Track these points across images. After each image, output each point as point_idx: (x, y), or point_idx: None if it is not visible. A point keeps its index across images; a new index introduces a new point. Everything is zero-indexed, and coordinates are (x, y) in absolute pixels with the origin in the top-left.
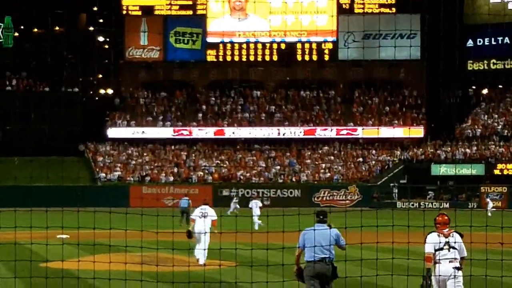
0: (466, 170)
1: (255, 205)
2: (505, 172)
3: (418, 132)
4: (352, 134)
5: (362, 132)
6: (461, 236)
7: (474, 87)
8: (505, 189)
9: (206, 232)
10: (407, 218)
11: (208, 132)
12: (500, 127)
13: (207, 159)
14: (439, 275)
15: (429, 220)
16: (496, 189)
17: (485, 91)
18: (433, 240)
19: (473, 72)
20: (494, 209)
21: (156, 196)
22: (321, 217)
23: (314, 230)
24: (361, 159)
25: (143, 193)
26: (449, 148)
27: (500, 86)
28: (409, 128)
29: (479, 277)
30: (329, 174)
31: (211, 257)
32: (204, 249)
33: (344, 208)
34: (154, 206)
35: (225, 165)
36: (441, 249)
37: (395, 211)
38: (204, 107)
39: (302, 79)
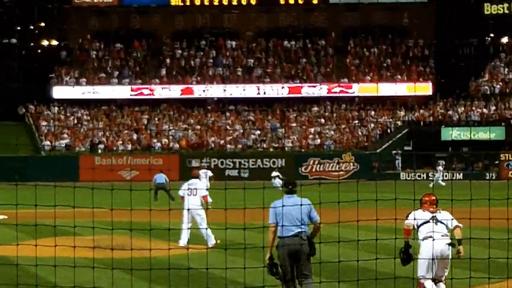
0: (483, 134)
1: (204, 176)
2: None
3: (425, 89)
4: (347, 92)
5: (358, 90)
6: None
7: (492, 34)
8: None
9: (198, 209)
10: (412, 192)
11: (173, 91)
12: None
13: (173, 123)
14: (432, 254)
15: (438, 194)
16: None
17: (505, 40)
18: (416, 214)
19: (491, 17)
20: (442, 181)
21: (111, 167)
22: (290, 187)
23: (287, 204)
24: (357, 122)
25: (96, 164)
26: (463, 108)
27: None
28: (415, 84)
29: (498, 260)
30: (319, 140)
31: (177, 240)
32: (206, 229)
33: (337, 180)
34: (109, 179)
35: (194, 130)
36: (427, 222)
37: (398, 183)
38: (168, 61)
39: (286, 27)
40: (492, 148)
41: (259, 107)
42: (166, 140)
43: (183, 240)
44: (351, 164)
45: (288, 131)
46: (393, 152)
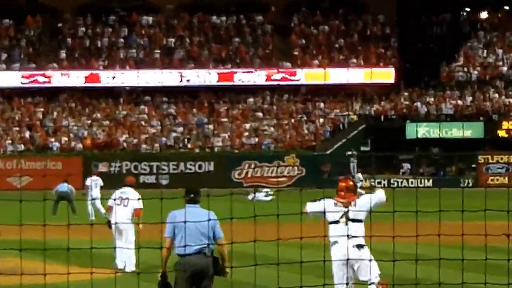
0: (456, 131)
1: (95, 185)
2: None
3: (386, 75)
4: (290, 80)
5: (304, 77)
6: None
7: (468, 9)
8: None
9: (127, 223)
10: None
11: (75, 78)
12: (506, 67)
13: (75, 117)
14: (337, 260)
15: (405, 205)
16: (501, 159)
17: (484, 15)
18: (321, 207)
19: None
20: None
21: None
22: (192, 195)
23: (188, 215)
24: (303, 116)
25: None
26: (432, 99)
27: (507, 8)
28: (373, 70)
29: (474, 285)
30: (256, 138)
31: (79, 263)
32: (128, 249)
33: (277, 187)
34: None
35: (101, 127)
36: (336, 222)
37: None
38: (69, 40)
39: None
40: (468, 149)
41: (182, 98)
42: (67, 139)
43: (119, 262)
44: (295, 168)
45: (218, 127)
46: (347, 153)
